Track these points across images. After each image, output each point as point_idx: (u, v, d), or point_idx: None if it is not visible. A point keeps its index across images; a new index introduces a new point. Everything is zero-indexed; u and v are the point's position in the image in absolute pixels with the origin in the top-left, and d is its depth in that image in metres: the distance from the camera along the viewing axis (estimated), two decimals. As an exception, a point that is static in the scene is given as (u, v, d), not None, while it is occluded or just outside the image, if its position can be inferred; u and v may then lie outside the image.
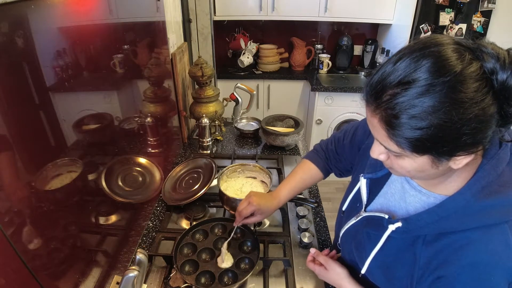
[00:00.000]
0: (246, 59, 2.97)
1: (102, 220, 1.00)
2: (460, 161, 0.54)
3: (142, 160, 1.26)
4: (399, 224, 0.66)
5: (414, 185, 0.68)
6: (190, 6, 2.23)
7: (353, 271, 0.85)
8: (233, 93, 1.90)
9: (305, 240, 1.12)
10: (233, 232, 1.05)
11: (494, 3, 2.45)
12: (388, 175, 0.77)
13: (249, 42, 3.08)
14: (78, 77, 0.86)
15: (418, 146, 0.52)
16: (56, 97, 0.76)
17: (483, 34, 2.54)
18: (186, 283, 0.95)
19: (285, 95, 3.09)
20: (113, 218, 1.05)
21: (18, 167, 0.65)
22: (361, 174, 0.80)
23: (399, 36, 2.76)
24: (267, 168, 1.33)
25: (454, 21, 2.53)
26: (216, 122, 1.81)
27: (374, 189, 0.79)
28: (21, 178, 0.66)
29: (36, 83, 0.69)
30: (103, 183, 0.97)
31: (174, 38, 1.73)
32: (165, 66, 1.53)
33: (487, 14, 2.50)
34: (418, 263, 0.64)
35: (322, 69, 3.09)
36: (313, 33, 3.24)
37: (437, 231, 0.62)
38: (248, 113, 2.01)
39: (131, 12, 1.19)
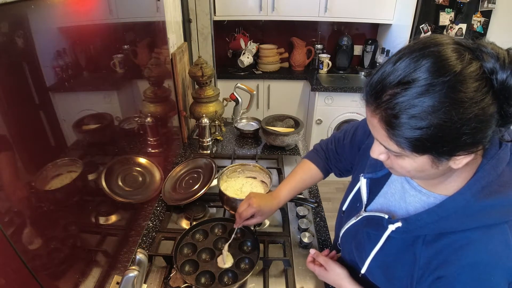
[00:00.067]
0: (246, 59, 2.97)
1: (102, 220, 1.00)
2: (460, 161, 0.54)
3: (142, 160, 1.26)
4: (399, 224, 0.66)
5: (414, 185, 0.68)
6: (190, 6, 2.23)
7: (353, 271, 0.85)
8: (233, 93, 1.90)
9: (305, 240, 1.12)
10: (234, 235, 1.05)
11: (494, 3, 2.45)
12: (388, 175, 0.77)
13: (249, 42, 3.08)
14: (78, 77, 0.86)
15: (418, 146, 0.52)
16: (56, 97, 0.76)
17: (483, 34, 2.54)
18: (186, 283, 0.95)
19: (285, 95, 3.09)
20: (113, 218, 1.05)
21: (18, 167, 0.65)
22: (361, 174, 0.80)
23: (399, 36, 2.76)
24: (267, 168, 1.33)
25: (454, 21, 2.53)
26: (216, 122, 1.82)
27: (374, 189, 0.79)
28: (21, 178, 0.66)
29: (36, 83, 0.69)
30: (103, 183, 0.97)
31: (174, 38, 1.73)
32: (165, 66, 1.53)
33: (487, 14, 2.50)
34: (418, 263, 0.64)
35: (322, 69, 3.09)
36: (313, 33, 3.24)
37: (437, 231, 0.62)
38: (248, 113, 2.01)
39: (131, 12, 1.19)
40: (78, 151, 0.86)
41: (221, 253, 1.02)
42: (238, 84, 1.91)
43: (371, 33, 3.24)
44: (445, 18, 2.51)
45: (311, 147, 1.12)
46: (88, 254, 0.90)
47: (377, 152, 0.62)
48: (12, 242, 0.58)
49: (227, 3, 2.78)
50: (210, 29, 2.38)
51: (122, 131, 1.15)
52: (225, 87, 2.81)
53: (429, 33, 2.56)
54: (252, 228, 1.14)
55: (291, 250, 1.11)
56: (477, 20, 2.52)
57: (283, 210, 1.26)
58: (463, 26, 2.54)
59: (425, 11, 2.51)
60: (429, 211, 0.62)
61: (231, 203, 1.18)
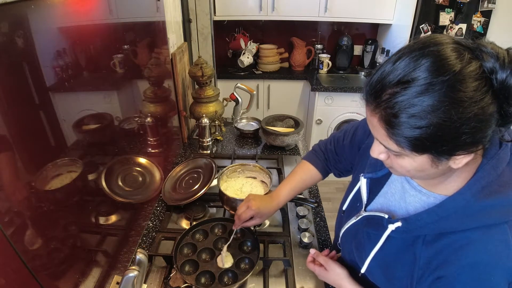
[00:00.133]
0: (246, 59, 2.97)
1: (102, 220, 1.00)
2: (460, 161, 0.54)
3: (142, 160, 1.26)
4: (399, 224, 0.66)
5: (414, 185, 0.68)
6: (190, 6, 2.23)
7: (353, 271, 0.85)
8: (233, 93, 1.90)
9: (305, 240, 1.12)
10: (233, 236, 1.05)
11: (494, 3, 2.45)
12: (388, 175, 0.77)
13: (249, 42, 3.08)
14: (78, 77, 0.86)
15: (417, 145, 0.52)
16: (56, 97, 0.76)
17: (483, 34, 2.54)
18: (186, 283, 0.95)
19: (285, 95, 3.09)
20: (113, 218, 1.05)
21: (18, 167, 0.65)
22: (361, 174, 0.80)
23: (399, 36, 2.76)
24: (267, 168, 1.33)
25: (454, 21, 2.53)
26: (216, 122, 1.82)
27: (374, 188, 0.79)
28: (21, 178, 0.66)
29: (36, 83, 0.69)
30: (103, 183, 0.97)
31: (174, 38, 1.73)
32: (165, 66, 1.53)
33: (487, 14, 2.50)
34: (418, 263, 0.64)
35: (322, 69, 3.09)
36: (313, 33, 3.24)
37: (437, 231, 0.62)
38: (248, 113, 2.01)
39: (131, 12, 1.19)
40: (78, 151, 0.86)
41: (221, 254, 1.02)
42: (238, 84, 1.91)
43: (371, 33, 3.24)
44: (445, 18, 2.51)
45: (311, 147, 1.12)
46: (88, 254, 0.90)
47: (377, 151, 0.62)
48: (12, 242, 0.58)
49: (227, 3, 2.78)
50: (210, 29, 2.38)
51: (122, 131, 1.15)
52: (225, 87, 2.81)
53: (429, 33, 2.56)
54: (252, 228, 1.14)
55: (291, 250, 1.11)
56: (477, 20, 2.52)
57: (283, 210, 1.26)
58: (463, 26, 2.54)
59: (425, 11, 2.51)
60: (429, 211, 0.62)
61: (231, 203, 1.18)
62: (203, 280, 0.97)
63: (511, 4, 2.47)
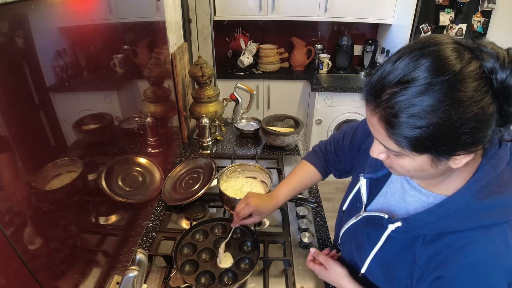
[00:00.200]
0: (246, 59, 2.97)
1: (102, 220, 1.00)
2: (460, 161, 0.54)
3: (142, 160, 1.26)
4: (398, 224, 0.66)
5: (414, 185, 0.68)
6: (190, 6, 2.23)
7: (353, 270, 0.85)
8: (233, 93, 1.90)
9: (305, 240, 1.12)
10: (231, 232, 1.05)
11: (494, 3, 2.45)
12: (388, 175, 0.77)
13: (249, 42, 3.08)
14: (78, 77, 0.86)
15: (417, 145, 0.52)
16: (56, 97, 0.76)
17: (483, 34, 2.54)
18: (186, 283, 0.95)
19: (285, 95, 3.09)
20: (113, 218, 1.05)
21: (18, 167, 0.65)
22: (361, 174, 0.80)
23: (399, 36, 2.76)
24: (267, 168, 1.33)
25: (454, 21, 2.53)
26: (216, 122, 1.82)
27: (374, 189, 0.79)
28: (21, 178, 0.66)
29: (36, 83, 0.69)
30: (103, 183, 0.97)
31: (174, 38, 1.73)
32: (165, 66, 1.53)
33: (487, 14, 2.50)
34: (417, 263, 0.64)
35: (322, 69, 3.09)
36: (313, 33, 3.24)
37: (437, 231, 0.62)
38: (248, 113, 2.01)
39: (131, 12, 1.19)
40: (78, 151, 0.86)
41: (219, 250, 1.02)
42: (238, 84, 1.91)
43: (371, 33, 3.24)
44: (445, 18, 2.51)
45: (311, 147, 1.12)
46: (88, 254, 0.90)
47: (377, 151, 0.62)
48: (12, 242, 0.58)
49: (227, 3, 2.78)
50: (210, 29, 2.38)
51: (122, 131, 1.15)
52: (225, 87, 2.81)
53: (429, 33, 2.56)
54: (252, 228, 1.14)
55: (291, 250, 1.11)
56: (477, 20, 2.52)
57: (283, 210, 1.26)
58: (463, 26, 2.54)
59: (425, 11, 2.51)
60: (428, 211, 0.62)
61: (231, 203, 1.18)
62: (203, 280, 0.97)
63: (511, 4, 2.47)
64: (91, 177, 0.93)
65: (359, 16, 2.81)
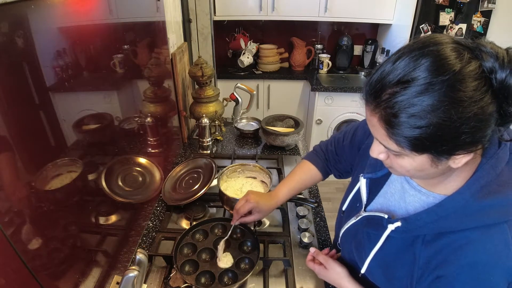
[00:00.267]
0: (246, 59, 2.97)
1: (102, 220, 1.00)
2: (460, 160, 0.54)
3: (142, 160, 1.26)
4: (398, 223, 0.66)
5: (413, 185, 0.68)
6: (190, 6, 2.23)
7: (353, 270, 0.85)
8: (233, 93, 1.90)
9: (305, 240, 1.12)
10: (230, 231, 1.05)
11: (494, 3, 2.45)
12: (388, 175, 0.77)
13: (249, 42, 3.08)
14: (78, 77, 0.86)
15: (417, 145, 0.52)
16: (56, 97, 0.76)
17: (483, 34, 2.54)
18: (186, 283, 0.95)
19: (285, 95, 3.09)
20: (113, 218, 1.05)
21: (18, 167, 0.65)
22: (361, 174, 0.81)
23: (399, 36, 2.76)
24: (267, 168, 1.33)
25: (454, 21, 2.53)
26: (216, 122, 1.82)
27: (374, 189, 0.79)
28: (21, 178, 0.66)
29: (36, 83, 0.69)
30: (103, 183, 0.97)
31: (174, 38, 1.73)
32: (165, 66, 1.53)
33: (487, 14, 2.50)
34: (417, 263, 0.64)
35: (322, 69, 3.09)
36: (313, 33, 3.24)
37: (437, 231, 0.62)
38: (248, 113, 2.01)
39: (131, 12, 1.20)
40: (78, 151, 0.86)
41: (218, 248, 1.02)
42: (238, 84, 1.91)
43: (371, 33, 3.24)
44: (445, 18, 2.51)
45: (311, 147, 1.12)
46: (88, 254, 0.90)
47: (377, 151, 0.62)
48: (12, 242, 0.58)
49: (227, 3, 2.78)
50: (210, 29, 2.38)
51: (122, 131, 1.15)
52: (225, 87, 2.81)
53: (429, 33, 2.56)
54: (252, 228, 1.14)
55: (291, 250, 1.11)
56: (477, 20, 2.52)
57: (283, 210, 1.26)
58: (463, 26, 2.54)
59: (425, 11, 2.51)
60: (428, 210, 0.62)
61: (231, 203, 1.18)
62: (203, 280, 0.97)
63: (511, 4, 2.47)
64: (91, 177, 0.93)
65: (359, 16, 2.81)
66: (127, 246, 1.08)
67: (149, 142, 1.35)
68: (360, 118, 2.79)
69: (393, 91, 0.51)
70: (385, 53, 2.97)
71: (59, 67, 0.77)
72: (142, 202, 1.25)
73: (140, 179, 1.24)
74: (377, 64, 3.02)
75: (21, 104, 0.65)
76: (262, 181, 1.32)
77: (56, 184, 0.76)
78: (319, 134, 2.97)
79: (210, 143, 1.71)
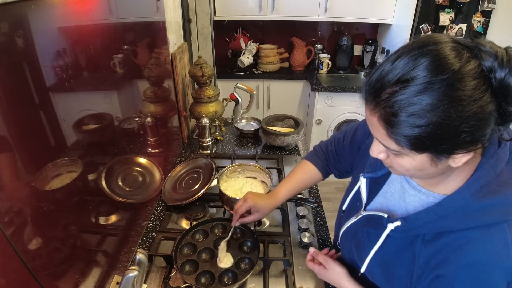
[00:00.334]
0: (246, 59, 2.97)
1: (102, 220, 1.00)
2: (459, 159, 0.54)
3: (142, 160, 1.26)
4: (398, 223, 0.66)
5: (413, 185, 0.68)
6: (190, 6, 2.23)
7: (352, 270, 0.85)
8: (233, 93, 1.90)
9: (305, 240, 1.12)
10: (231, 232, 1.05)
11: (494, 3, 2.45)
12: (387, 174, 0.77)
13: (249, 42, 3.08)
14: (78, 77, 0.86)
15: (417, 144, 0.52)
16: (56, 97, 0.76)
17: (483, 34, 2.54)
18: (186, 283, 0.95)
19: (285, 95, 3.09)
20: (113, 218, 1.05)
21: (18, 167, 0.65)
22: (361, 174, 0.81)
23: (399, 36, 2.76)
24: (267, 168, 1.33)
25: (454, 21, 2.53)
26: (216, 122, 1.82)
27: (374, 188, 0.80)
28: (21, 178, 0.66)
29: (36, 83, 0.69)
30: (103, 183, 0.97)
31: (174, 38, 1.73)
32: (165, 66, 1.53)
33: (487, 14, 2.50)
34: (417, 262, 0.64)
35: (322, 69, 3.09)
36: (313, 33, 3.24)
37: (436, 230, 0.62)
38: (248, 113, 2.01)
39: (131, 12, 1.20)
40: (78, 151, 0.86)
41: (218, 248, 1.02)
42: (238, 84, 1.91)
43: (371, 33, 3.24)
44: (445, 18, 2.51)
45: (311, 147, 1.12)
46: (88, 254, 0.90)
47: (377, 151, 0.62)
48: (12, 242, 0.58)
49: (227, 3, 2.78)
50: (210, 29, 2.38)
51: (122, 131, 1.15)
52: (225, 87, 2.81)
53: (429, 33, 2.56)
54: (252, 228, 1.14)
55: (291, 250, 1.11)
56: (477, 20, 2.52)
57: (283, 210, 1.26)
58: (463, 26, 2.54)
59: (425, 11, 2.51)
60: (428, 210, 0.62)
61: (231, 203, 1.18)
62: (203, 280, 0.97)
63: (511, 4, 2.47)
64: (91, 177, 0.93)
65: (359, 16, 2.81)
66: (127, 246, 1.08)
67: (149, 142, 1.35)
68: (360, 118, 2.79)
69: (393, 90, 0.51)
70: (385, 53, 2.97)
71: (59, 67, 0.77)
72: (142, 202, 1.25)
73: (140, 179, 1.24)
74: (377, 64, 3.00)
75: (21, 104, 0.65)
76: (262, 181, 1.32)
77: (56, 184, 0.76)
78: (319, 134, 2.97)
79: (210, 143, 1.71)
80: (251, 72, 3.05)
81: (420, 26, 2.55)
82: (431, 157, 0.54)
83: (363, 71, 3.13)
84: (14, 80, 0.63)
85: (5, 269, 0.58)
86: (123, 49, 1.11)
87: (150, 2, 1.37)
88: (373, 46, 3.08)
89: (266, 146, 1.78)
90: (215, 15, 2.78)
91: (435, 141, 0.51)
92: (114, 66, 1.06)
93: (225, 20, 2.91)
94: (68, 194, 0.82)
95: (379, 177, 0.78)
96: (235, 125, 1.90)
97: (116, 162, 1.09)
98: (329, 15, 2.82)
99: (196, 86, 1.74)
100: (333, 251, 0.97)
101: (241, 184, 1.31)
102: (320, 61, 3.08)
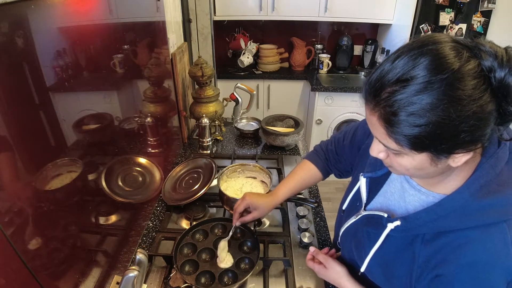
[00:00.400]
0: (246, 59, 2.97)
1: (102, 220, 1.00)
2: (459, 159, 0.54)
3: (142, 160, 1.26)
4: (398, 222, 0.66)
5: (413, 184, 0.68)
6: (190, 6, 2.23)
7: (352, 270, 0.85)
8: (233, 93, 1.90)
9: (305, 240, 1.12)
10: (231, 232, 1.05)
11: (494, 3, 2.45)
12: (387, 174, 0.77)
13: (249, 42, 3.08)
14: (78, 77, 0.86)
15: (417, 144, 0.52)
16: (56, 97, 0.76)
17: (483, 34, 2.54)
18: (186, 283, 0.95)
19: (285, 95, 3.09)
20: (113, 218, 1.05)
21: (18, 167, 0.65)
22: (361, 173, 0.81)
23: (399, 36, 2.76)
24: (267, 168, 1.33)
25: (454, 21, 2.53)
26: (216, 122, 1.82)
27: (374, 188, 0.80)
28: (21, 178, 0.66)
29: (36, 83, 0.69)
30: (103, 183, 0.97)
31: (174, 38, 1.73)
32: (165, 66, 1.53)
33: (487, 14, 2.50)
34: (417, 262, 0.64)
35: (322, 69, 3.09)
36: (313, 33, 3.24)
37: (436, 230, 0.62)
38: (248, 113, 2.01)
39: (131, 12, 1.20)
40: (78, 151, 0.86)
41: (218, 247, 1.02)
42: (238, 84, 1.91)
43: (371, 33, 3.24)
44: (445, 18, 2.51)
45: (311, 147, 1.12)
46: (88, 254, 0.90)
47: (377, 150, 0.62)
48: (12, 242, 0.58)
49: (227, 3, 2.79)
50: (210, 29, 2.38)
51: (122, 131, 1.15)
52: (225, 87, 2.81)
53: (429, 33, 2.56)
54: (252, 228, 1.14)
55: (291, 250, 1.11)
56: (477, 20, 2.52)
57: (283, 210, 1.26)
58: (463, 26, 2.54)
59: (425, 11, 2.51)
60: (427, 210, 0.62)
61: (231, 203, 1.18)
62: (203, 280, 0.97)
63: (511, 4, 2.47)
64: (91, 177, 0.93)
65: (359, 16, 2.81)
66: (127, 246, 1.08)
67: (149, 142, 1.35)
68: (360, 118, 2.79)
69: (393, 89, 0.51)
70: (385, 53, 2.97)
71: (59, 67, 0.77)
72: (142, 202, 1.25)
73: (140, 179, 1.24)
74: (377, 64, 3.01)
75: (21, 104, 0.65)
76: (262, 181, 1.32)
77: (56, 184, 0.76)
78: (319, 134, 2.97)
79: (210, 143, 1.71)
80: (251, 72, 3.05)
81: (420, 26, 2.55)
82: (431, 156, 0.54)
83: (363, 71, 3.13)
84: (14, 80, 0.63)
85: (5, 269, 0.58)
86: (123, 49, 1.11)
87: (150, 2, 1.37)
88: (373, 46, 3.08)
89: (266, 146, 1.78)
90: (215, 15, 2.78)
91: (434, 141, 0.51)
92: (114, 66, 1.06)
93: (225, 20, 2.91)
94: (68, 194, 0.82)
95: (379, 176, 0.78)
96: (235, 125, 1.90)
97: (116, 162, 1.09)
98: (329, 15, 2.82)
99: (196, 86, 1.74)
100: (333, 250, 0.97)
101: (241, 184, 1.31)
102: (320, 61, 3.08)
